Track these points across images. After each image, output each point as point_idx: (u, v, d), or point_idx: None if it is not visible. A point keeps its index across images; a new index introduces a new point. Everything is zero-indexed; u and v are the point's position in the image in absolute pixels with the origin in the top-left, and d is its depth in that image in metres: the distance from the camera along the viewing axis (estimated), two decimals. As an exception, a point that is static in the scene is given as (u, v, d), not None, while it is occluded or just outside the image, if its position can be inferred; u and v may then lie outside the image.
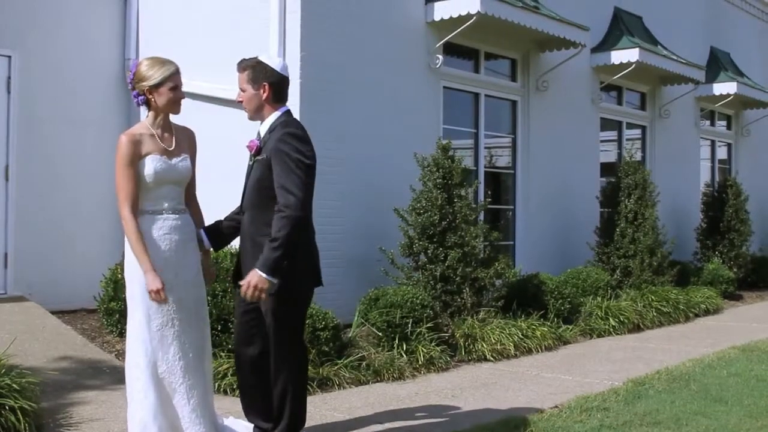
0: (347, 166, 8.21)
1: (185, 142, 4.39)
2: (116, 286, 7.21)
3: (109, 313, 7.26)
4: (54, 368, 6.07)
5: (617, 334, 8.97)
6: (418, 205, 7.94)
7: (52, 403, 5.28)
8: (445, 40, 9.23)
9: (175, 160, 4.27)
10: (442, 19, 9.08)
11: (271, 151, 4.13)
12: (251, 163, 4.33)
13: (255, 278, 3.99)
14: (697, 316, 10.59)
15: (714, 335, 9.17)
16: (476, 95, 10.19)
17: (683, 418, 5.29)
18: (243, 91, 4.34)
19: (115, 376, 6.10)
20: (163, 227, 4.20)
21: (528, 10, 9.60)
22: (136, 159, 4.14)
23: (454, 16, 8.98)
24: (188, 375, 4.20)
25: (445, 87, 9.59)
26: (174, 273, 4.18)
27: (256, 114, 4.36)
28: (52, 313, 7.63)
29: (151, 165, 4.16)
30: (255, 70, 4.29)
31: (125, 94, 8.99)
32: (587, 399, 5.78)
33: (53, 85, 8.56)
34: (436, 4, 9.11)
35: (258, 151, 4.27)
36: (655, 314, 9.74)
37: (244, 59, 4.37)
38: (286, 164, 4.08)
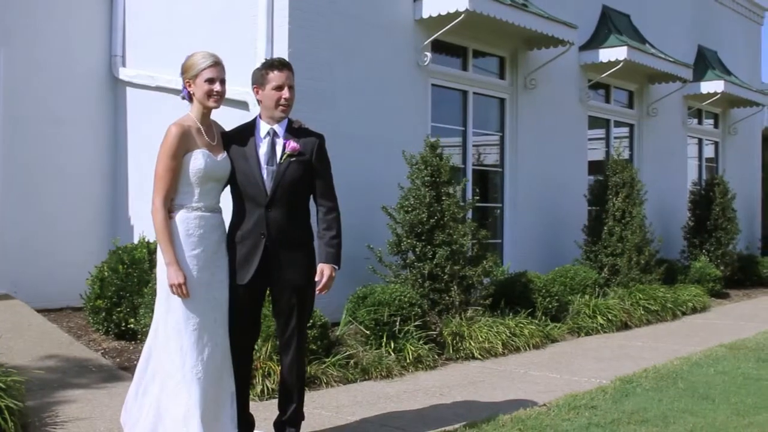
0: (335, 164, 7.99)
1: (220, 140, 4.33)
2: (102, 284, 7.17)
3: (96, 311, 7.22)
4: (40, 367, 6.03)
5: (605, 332, 8.98)
6: (407, 203, 7.92)
7: (38, 402, 5.25)
8: (433, 37, 9.22)
9: (219, 157, 4.23)
10: (430, 17, 9.06)
11: (315, 153, 4.39)
12: (282, 161, 4.30)
13: (332, 272, 4.37)
14: (684, 314, 10.61)
15: (701, 333, 9.20)
16: (464, 93, 10.18)
17: (671, 416, 5.30)
18: (292, 88, 4.37)
19: (102, 375, 6.07)
20: (205, 225, 4.15)
21: (516, 7, 9.60)
22: (181, 152, 4.07)
23: (443, 13, 8.97)
24: (221, 376, 4.15)
25: (433, 85, 9.58)
26: (211, 272, 4.15)
27: None
28: (38, 311, 7.59)
29: (201, 160, 4.11)
30: None
31: (111, 92, 8.95)
32: (575, 397, 5.79)
33: (39, 82, 8.50)
34: (425, 2, 9.08)
35: (298, 152, 4.33)
36: (642, 312, 9.77)
37: (283, 59, 4.47)
38: (329, 168, 4.50)
